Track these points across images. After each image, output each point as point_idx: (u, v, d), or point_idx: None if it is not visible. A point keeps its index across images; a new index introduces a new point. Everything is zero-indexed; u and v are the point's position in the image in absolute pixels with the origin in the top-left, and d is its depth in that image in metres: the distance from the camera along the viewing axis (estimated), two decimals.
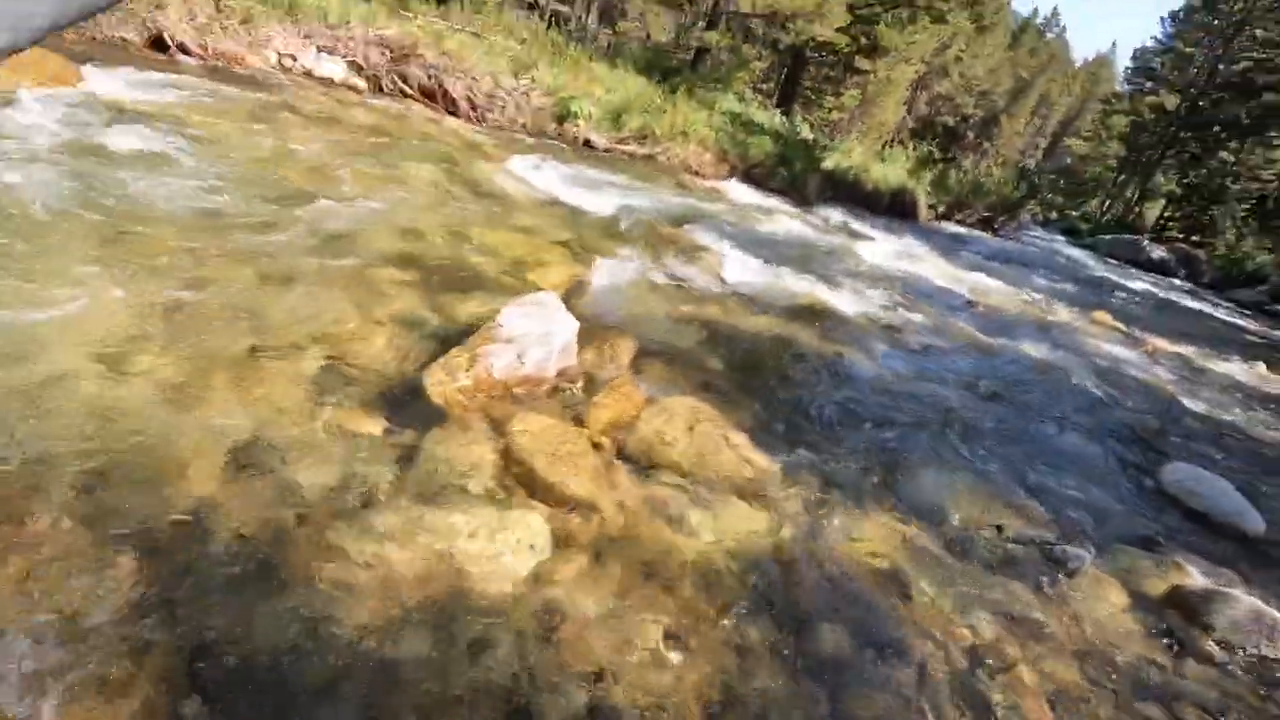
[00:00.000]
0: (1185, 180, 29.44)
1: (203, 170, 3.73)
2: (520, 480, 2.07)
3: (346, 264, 3.14)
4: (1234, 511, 3.12)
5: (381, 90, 7.83)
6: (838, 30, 12.82)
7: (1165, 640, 2.14)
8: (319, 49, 7.59)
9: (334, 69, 7.55)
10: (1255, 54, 27.03)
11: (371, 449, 2.06)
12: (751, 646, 1.73)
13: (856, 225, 9.54)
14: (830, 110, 21.25)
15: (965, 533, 2.44)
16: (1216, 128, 28.20)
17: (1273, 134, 27.78)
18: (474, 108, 8.20)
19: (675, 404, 2.67)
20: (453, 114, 7.99)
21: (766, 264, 5.40)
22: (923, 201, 13.30)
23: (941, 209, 14.06)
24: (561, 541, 1.91)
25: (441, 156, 5.82)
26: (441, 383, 2.28)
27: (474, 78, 8.33)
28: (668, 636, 1.69)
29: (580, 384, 2.65)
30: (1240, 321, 13.06)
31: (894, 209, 12.47)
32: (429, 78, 8.03)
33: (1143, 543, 2.74)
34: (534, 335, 2.55)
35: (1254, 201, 28.78)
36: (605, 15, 29.80)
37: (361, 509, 1.82)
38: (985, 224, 15.25)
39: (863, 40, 15.21)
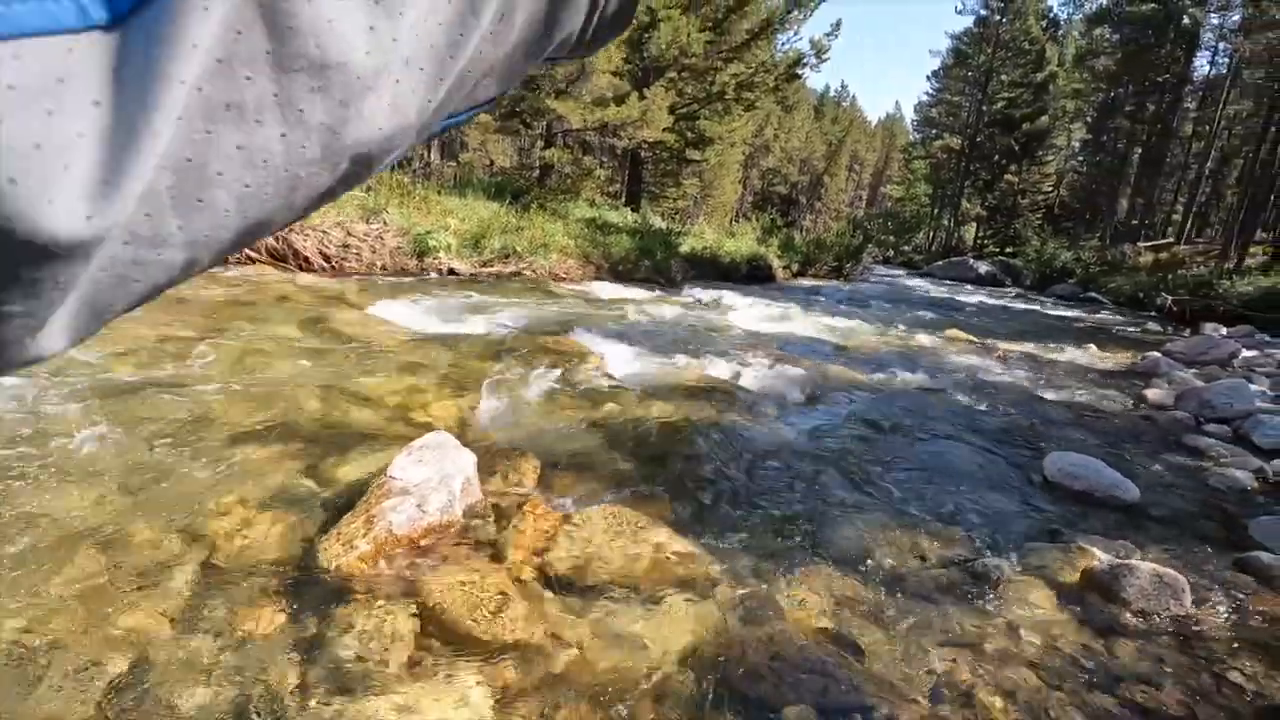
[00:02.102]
0: (985, 204, 33.82)
1: (26, 379, 3.38)
2: (445, 640, 1.92)
3: (211, 450, 2.91)
4: (1111, 485, 3.42)
5: (226, 260, 7.57)
6: (665, 130, 13.99)
7: (1092, 624, 2.26)
8: None
9: None
10: (1006, 94, 32.20)
11: (270, 649, 1.85)
12: None
13: (722, 297, 10.09)
14: (675, 200, 22.87)
15: (894, 571, 2.50)
16: (996, 157, 32.89)
17: (1040, 154, 32.77)
18: (328, 260, 8.09)
19: (591, 515, 2.61)
20: (307, 270, 7.83)
21: (648, 352, 5.56)
22: (776, 264, 14.38)
23: (795, 268, 15.23)
24: (504, 696, 1.77)
25: (302, 315, 5.64)
26: (338, 556, 2.11)
27: (324, 230, 8.27)
28: None
29: (491, 518, 2.54)
30: (1064, 312, 14.81)
31: (752, 276, 13.38)
32: (277, 240, 7.87)
33: (1048, 535, 2.93)
34: (432, 480, 2.44)
35: (1043, 211, 33.46)
36: (446, 150, 30.88)
37: None
38: (835, 273, 16.64)
39: (689, 135, 16.68)
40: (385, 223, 8.86)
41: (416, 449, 2.61)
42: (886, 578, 2.45)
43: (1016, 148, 31.91)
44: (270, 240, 7.75)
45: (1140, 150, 29.91)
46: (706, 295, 10.19)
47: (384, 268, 8.52)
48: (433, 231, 8.94)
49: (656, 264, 11.48)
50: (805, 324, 8.58)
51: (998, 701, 1.87)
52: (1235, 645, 2.21)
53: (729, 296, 10.22)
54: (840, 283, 15.96)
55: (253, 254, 7.63)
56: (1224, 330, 10.99)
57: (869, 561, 2.56)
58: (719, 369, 5.36)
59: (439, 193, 11.25)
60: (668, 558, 2.46)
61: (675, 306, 8.81)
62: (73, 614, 1.88)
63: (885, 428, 4.32)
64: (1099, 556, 2.64)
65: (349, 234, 8.49)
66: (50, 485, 2.48)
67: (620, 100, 12.63)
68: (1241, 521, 3.29)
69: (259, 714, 1.64)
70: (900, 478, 3.49)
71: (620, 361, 5.18)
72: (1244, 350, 8.69)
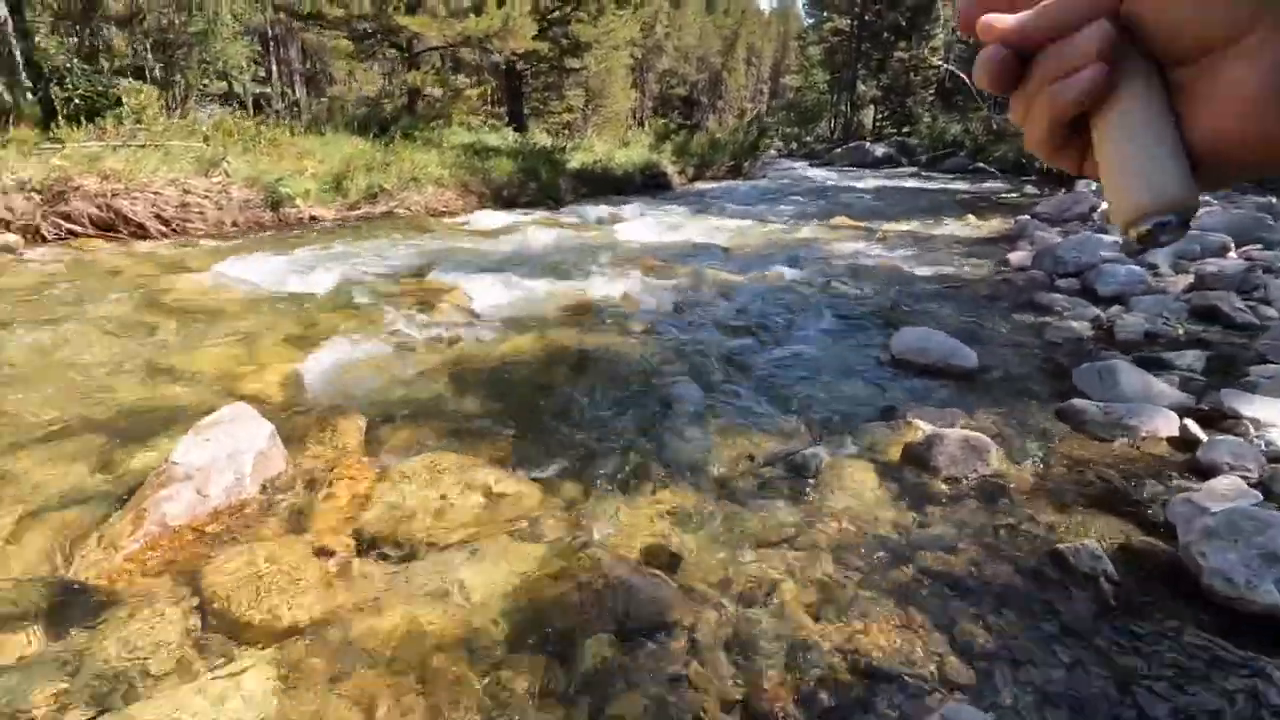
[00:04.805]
0: (880, 84, 33.81)
1: None
2: (224, 632, 1.78)
3: None
4: (951, 355, 3.51)
5: (44, 239, 6.74)
6: (534, 39, 13.08)
7: (905, 498, 2.32)
8: None
9: None
10: None
11: (26, 675, 1.67)
12: (515, 697, 1.60)
13: (612, 212, 9.79)
14: (562, 114, 21.80)
15: (722, 478, 2.50)
16: (885, 34, 32.66)
17: (926, 28, 32.74)
18: (166, 223, 7.32)
19: (411, 467, 2.48)
20: (142, 237, 7.07)
21: (517, 280, 5.32)
22: (671, 171, 14.04)
23: (690, 172, 14.92)
24: (287, 681, 1.67)
25: (132, 288, 5.09)
26: (99, 561, 1.91)
27: (155, 191, 7.43)
28: None
29: (296, 489, 2.37)
30: (952, 186, 15.19)
31: (647, 186, 13.04)
32: (100, 208, 7.03)
33: (882, 414, 2.98)
34: (219, 460, 2.23)
35: (935, 86, 33.75)
36: (313, 84, 28.25)
37: None
38: (734, 172, 16.44)
39: (564, 42, 15.68)
40: (228, 174, 8.04)
41: (205, 427, 2.38)
42: (713, 486, 2.44)
43: (903, 23, 31.69)
44: (91, 208, 6.92)
45: None
46: (594, 212, 9.86)
47: (235, 224, 7.79)
48: (284, 178, 8.19)
49: (543, 185, 10.99)
50: (693, 230, 8.44)
51: (802, 592, 1.90)
52: (1032, 495, 2.32)
53: (618, 210, 9.93)
54: (739, 181, 15.81)
55: (72, 225, 6.80)
56: (1094, 185, 11.47)
57: (700, 472, 2.54)
58: (590, 290, 5.20)
59: (291, 133, 10.27)
60: (495, 500, 2.37)
61: (559, 228, 8.48)
62: None
63: (750, 329, 4.30)
64: (922, 429, 2.71)
65: (187, 192, 7.67)
66: None
67: (479, 10, 11.63)
68: (1068, 372, 3.45)
69: None
70: (754, 378, 3.49)
71: (484, 296, 4.94)
72: (1103, 204, 9.11)
